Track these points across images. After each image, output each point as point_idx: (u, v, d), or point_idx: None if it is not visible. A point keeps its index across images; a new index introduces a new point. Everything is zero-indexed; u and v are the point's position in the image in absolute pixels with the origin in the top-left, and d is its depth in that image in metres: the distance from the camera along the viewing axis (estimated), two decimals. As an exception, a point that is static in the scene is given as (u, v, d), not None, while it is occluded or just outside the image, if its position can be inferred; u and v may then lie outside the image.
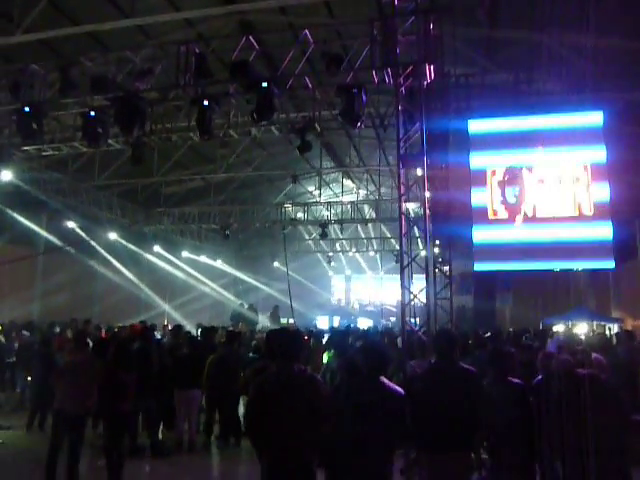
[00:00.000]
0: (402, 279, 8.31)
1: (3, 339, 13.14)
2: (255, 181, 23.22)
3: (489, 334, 11.61)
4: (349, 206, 23.27)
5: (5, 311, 16.43)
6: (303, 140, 11.30)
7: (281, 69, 9.82)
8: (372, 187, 24.76)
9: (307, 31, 9.54)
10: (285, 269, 23.23)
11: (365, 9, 10.88)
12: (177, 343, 10.16)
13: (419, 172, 9.00)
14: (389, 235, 26.16)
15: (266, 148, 19.37)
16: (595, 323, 19.51)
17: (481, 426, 4.61)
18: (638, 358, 10.71)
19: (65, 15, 11.27)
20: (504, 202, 10.12)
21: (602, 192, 9.64)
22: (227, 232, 22.03)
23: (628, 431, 4.81)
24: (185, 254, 25.95)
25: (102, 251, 21.20)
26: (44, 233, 18.97)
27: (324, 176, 23.64)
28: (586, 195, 9.72)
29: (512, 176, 10.15)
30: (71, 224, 19.27)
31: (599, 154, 9.75)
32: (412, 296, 8.44)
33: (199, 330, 12.48)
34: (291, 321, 21.74)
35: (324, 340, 12.43)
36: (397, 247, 15.39)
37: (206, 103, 10.00)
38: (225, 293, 28.37)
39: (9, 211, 16.84)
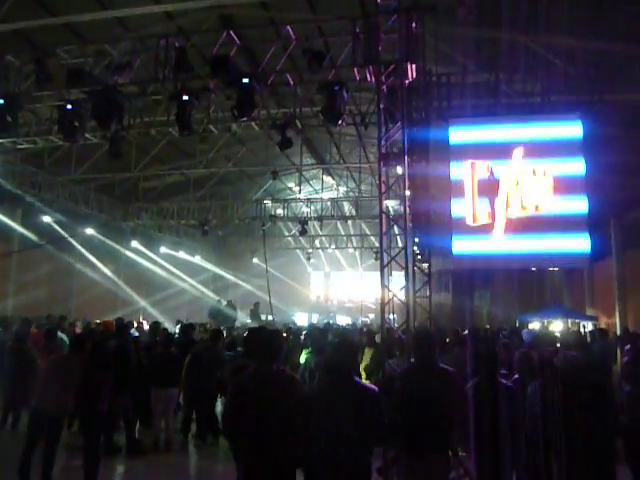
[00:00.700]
0: (382, 278, 8.31)
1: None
2: (235, 177, 23.11)
3: (467, 331, 11.72)
4: (329, 203, 23.27)
5: (-23, 307, 16.12)
6: (283, 136, 11.25)
7: (262, 65, 9.75)
8: (352, 184, 24.81)
9: (289, 27, 9.49)
10: (264, 265, 23.21)
11: (348, 6, 10.87)
12: (154, 341, 10.05)
13: (399, 170, 9.01)
14: (369, 232, 26.24)
15: (246, 144, 19.29)
16: (570, 321, 19.84)
17: (462, 426, 4.63)
18: (612, 355, 10.95)
19: (42, 5, 11.07)
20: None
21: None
22: (206, 228, 21.86)
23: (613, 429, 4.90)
24: (163, 250, 25.72)
25: (79, 246, 20.90)
26: (19, 228, 18.59)
27: (304, 172, 23.62)
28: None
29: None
30: (47, 219, 18.95)
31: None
32: (391, 294, 8.45)
33: (178, 326, 12.37)
34: (270, 318, 21.71)
35: (302, 337, 12.41)
36: (377, 244, 15.42)
37: (186, 98, 9.88)
38: (204, 289, 28.20)
39: (-18, 205, 16.53)
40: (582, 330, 17.89)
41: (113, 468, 7.73)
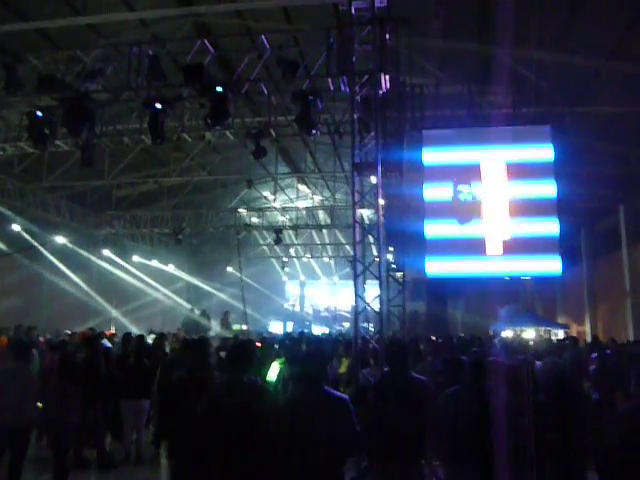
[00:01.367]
0: (356, 287, 8.31)
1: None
2: (209, 185, 22.95)
3: (441, 340, 11.79)
4: (304, 212, 23.27)
5: (-57, 317, 15.66)
6: (258, 145, 11.24)
7: (237, 74, 9.73)
8: (327, 193, 24.85)
9: (264, 36, 9.50)
10: (239, 274, 23.07)
11: (322, 17, 10.91)
12: (126, 352, 9.87)
13: (373, 180, 9.06)
14: (344, 241, 26.26)
15: (221, 152, 19.17)
16: (542, 329, 20.11)
17: (437, 436, 4.61)
18: (583, 362, 11.09)
19: (13, 10, 10.88)
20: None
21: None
22: (180, 236, 21.68)
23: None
24: (136, 259, 25.38)
25: (49, 255, 20.49)
26: (-13, 236, 18.20)
27: (279, 181, 23.58)
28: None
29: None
30: (16, 227, 18.54)
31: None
32: (365, 305, 8.45)
33: (151, 336, 12.19)
34: (244, 327, 21.57)
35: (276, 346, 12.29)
36: (352, 253, 15.46)
37: (159, 106, 9.80)
38: (177, 299, 27.88)
39: (-51, 213, 16.14)
40: (553, 338, 18.12)
41: (82, 482, 7.56)
